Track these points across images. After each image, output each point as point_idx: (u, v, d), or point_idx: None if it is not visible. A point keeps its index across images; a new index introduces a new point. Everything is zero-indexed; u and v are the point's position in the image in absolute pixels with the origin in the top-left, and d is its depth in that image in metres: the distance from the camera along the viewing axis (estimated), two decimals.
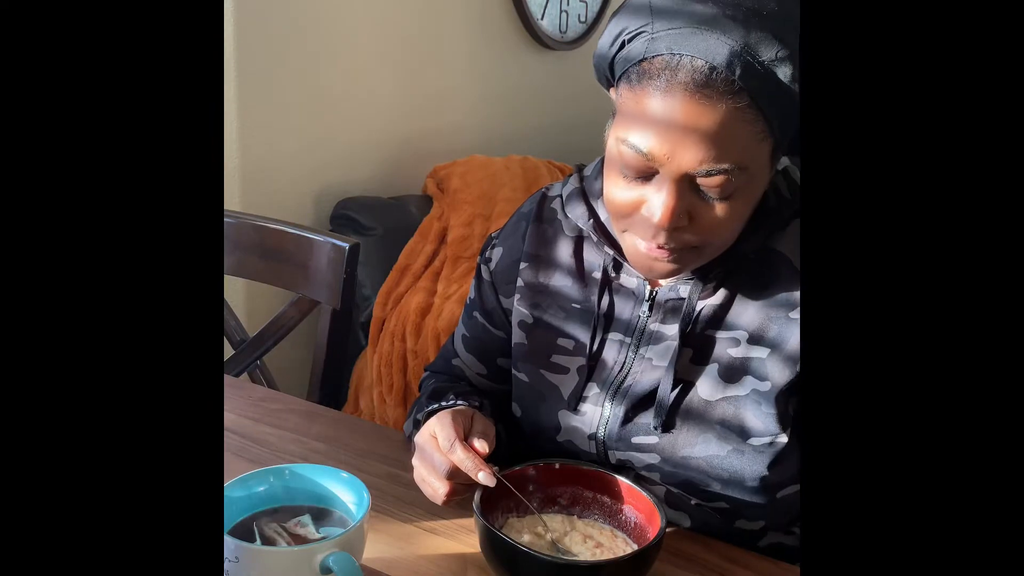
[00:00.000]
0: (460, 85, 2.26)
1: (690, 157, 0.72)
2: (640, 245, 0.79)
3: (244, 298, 1.76)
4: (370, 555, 0.79)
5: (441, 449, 0.81)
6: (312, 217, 1.94)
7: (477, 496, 0.78)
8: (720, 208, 0.75)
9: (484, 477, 0.79)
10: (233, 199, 1.75)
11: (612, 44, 0.76)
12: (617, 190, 0.78)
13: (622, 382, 0.88)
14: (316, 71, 1.87)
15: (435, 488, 0.82)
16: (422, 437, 0.84)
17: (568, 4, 2.52)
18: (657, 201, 0.75)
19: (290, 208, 1.87)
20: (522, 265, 0.95)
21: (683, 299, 0.85)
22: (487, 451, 0.81)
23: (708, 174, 0.73)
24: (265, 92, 1.77)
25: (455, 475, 0.81)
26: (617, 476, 0.83)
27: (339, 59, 1.92)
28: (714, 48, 0.70)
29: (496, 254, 0.98)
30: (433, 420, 0.85)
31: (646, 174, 0.76)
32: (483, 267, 0.99)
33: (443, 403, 0.90)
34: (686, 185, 0.74)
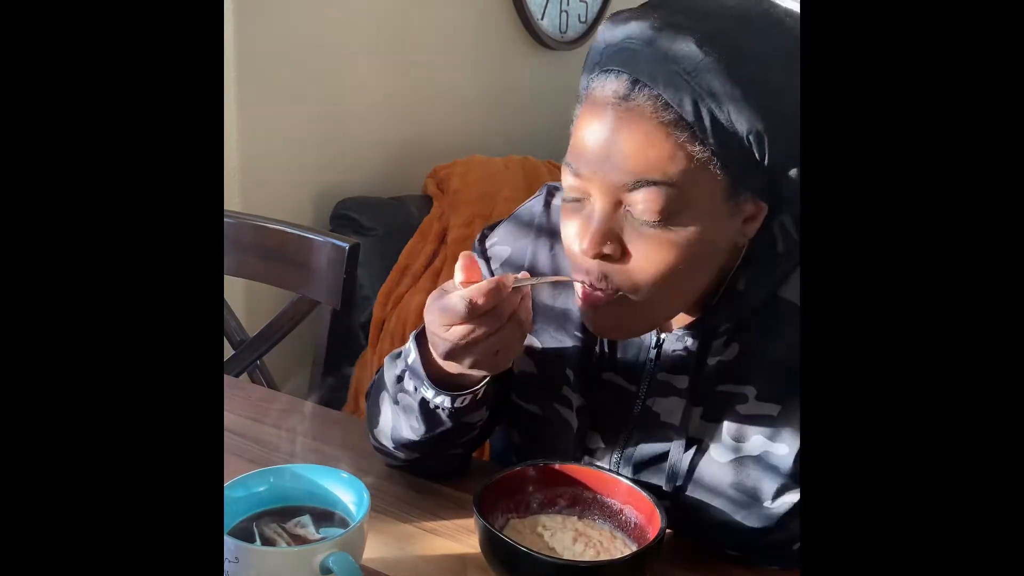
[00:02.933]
0: (460, 85, 2.26)
1: (615, 166, 0.71)
2: (579, 290, 0.77)
3: (244, 298, 1.76)
4: (370, 555, 0.79)
5: (450, 289, 0.73)
6: (312, 217, 1.94)
7: (477, 496, 0.78)
8: (654, 239, 0.72)
9: (513, 279, 0.71)
10: (233, 199, 1.75)
11: (584, 78, 0.76)
12: (565, 231, 0.77)
13: (629, 438, 0.85)
14: (316, 71, 1.87)
15: (459, 333, 0.71)
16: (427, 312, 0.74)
17: (568, 4, 2.52)
18: (585, 225, 0.74)
19: (290, 208, 1.87)
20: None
21: (692, 351, 0.82)
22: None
23: (635, 186, 0.70)
24: (265, 92, 1.77)
25: (476, 311, 0.70)
26: (617, 476, 0.83)
27: (339, 59, 1.91)
28: (636, 61, 0.70)
29: (501, 252, 0.93)
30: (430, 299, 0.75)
31: (582, 197, 0.74)
32: (479, 260, 0.93)
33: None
34: (615, 209, 0.72)
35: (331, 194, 1.95)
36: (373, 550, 0.80)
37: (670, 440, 0.83)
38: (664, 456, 0.83)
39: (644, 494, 0.80)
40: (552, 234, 0.90)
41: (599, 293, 0.75)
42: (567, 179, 0.75)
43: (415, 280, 1.87)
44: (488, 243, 0.95)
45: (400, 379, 0.83)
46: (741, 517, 0.81)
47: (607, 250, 0.73)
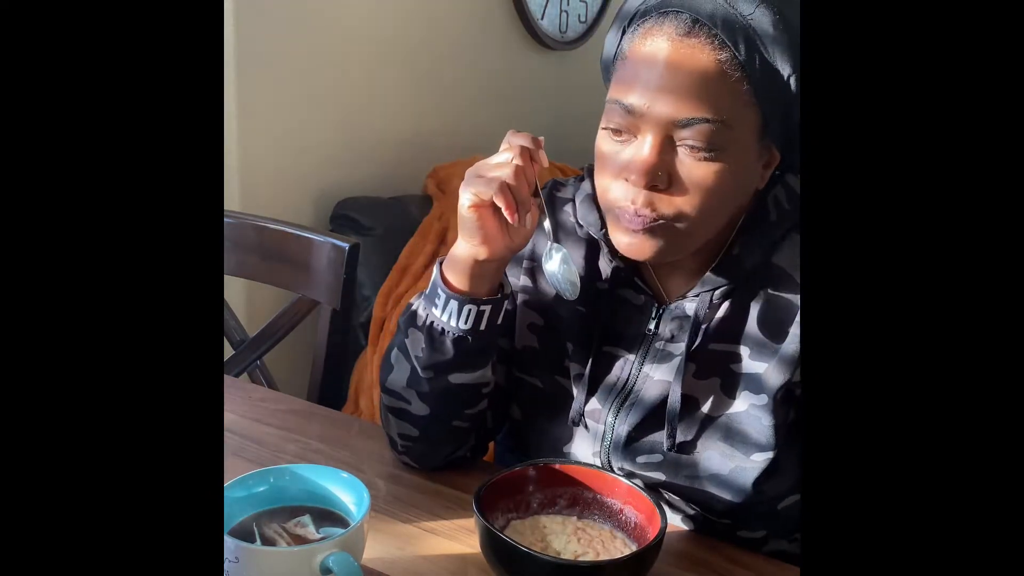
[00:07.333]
0: (460, 85, 2.26)
1: (671, 102, 0.74)
2: (621, 217, 0.79)
3: (244, 298, 1.76)
4: (370, 555, 0.79)
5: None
6: (312, 217, 1.94)
7: (477, 496, 0.78)
8: (700, 170, 0.75)
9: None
10: (233, 199, 1.75)
11: (617, 32, 0.80)
12: (602, 169, 0.80)
13: (625, 399, 0.87)
14: (316, 71, 1.87)
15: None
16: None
17: (568, 4, 2.52)
18: (637, 157, 0.76)
19: (290, 208, 1.87)
20: (526, 263, 0.93)
21: (689, 316, 0.85)
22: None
23: (689, 123, 0.74)
24: (265, 92, 1.77)
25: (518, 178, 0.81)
26: (617, 476, 0.83)
27: (339, 59, 1.91)
28: (697, 2, 0.74)
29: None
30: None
31: (630, 131, 0.77)
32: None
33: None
34: (667, 142, 0.76)
35: (331, 194, 1.95)
36: (373, 550, 0.80)
37: (666, 402, 0.85)
38: (661, 418, 0.85)
39: (644, 494, 0.80)
40: (580, 242, 0.92)
41: (641, 219, 0.77)
42: (615, 117, 0.77)
43: (415, 280, 1.87)
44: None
45: (413, 315, 0.86)
46: (730, 472, 0.83)
47: (657, 181, 0.76)
